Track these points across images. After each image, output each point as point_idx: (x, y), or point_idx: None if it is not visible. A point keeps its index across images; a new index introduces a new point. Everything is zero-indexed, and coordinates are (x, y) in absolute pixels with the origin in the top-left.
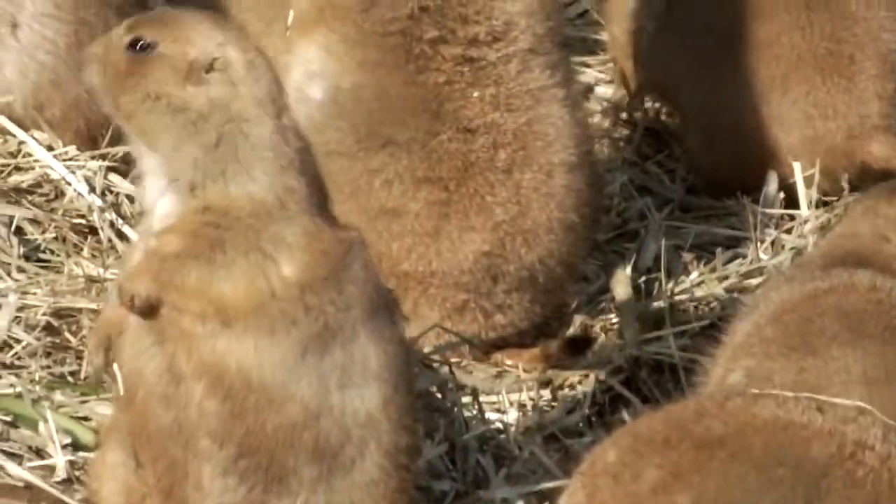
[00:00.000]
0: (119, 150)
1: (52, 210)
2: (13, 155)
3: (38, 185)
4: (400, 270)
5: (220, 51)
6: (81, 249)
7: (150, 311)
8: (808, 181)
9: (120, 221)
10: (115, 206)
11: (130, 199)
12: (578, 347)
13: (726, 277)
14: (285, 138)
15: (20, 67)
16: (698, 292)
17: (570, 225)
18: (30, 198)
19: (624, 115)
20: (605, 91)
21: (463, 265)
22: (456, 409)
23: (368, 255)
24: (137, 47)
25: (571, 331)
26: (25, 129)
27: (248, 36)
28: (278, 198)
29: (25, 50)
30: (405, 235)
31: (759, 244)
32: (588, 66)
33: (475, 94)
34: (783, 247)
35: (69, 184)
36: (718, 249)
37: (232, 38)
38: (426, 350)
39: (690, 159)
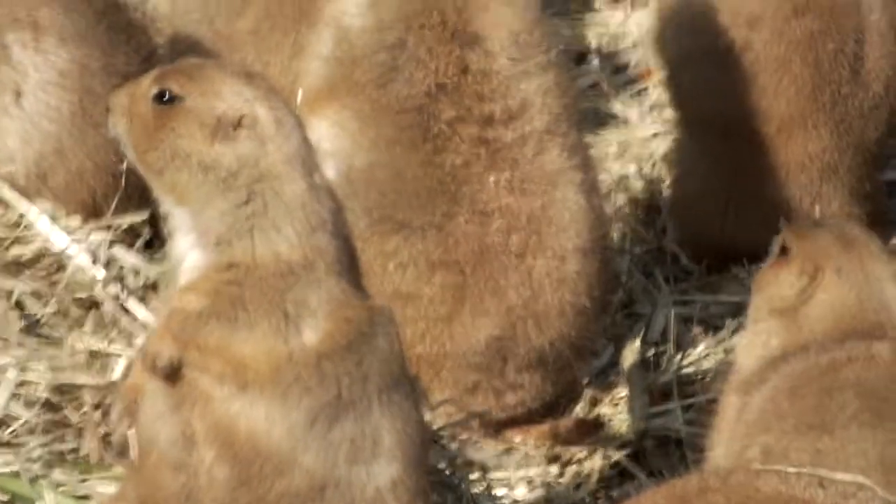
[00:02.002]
0: (124, 222)
1: (54, 283)
2: (14, 226)
3: (40, 257)
4: (413, 353)
5: (248, 107)
6: (83, 324)
7: (172, 373)
8: None
9: (124, 295)
10: (119, 280)
11: (135, 271)
12: (587, 430)
13: (734, 349)
14: (317, 197)
15: (23, 136)
16: (706, 364)
17: (582, 309)
18: (30, 270)
19: (634, 191)
20: (612, 165)
21: (476, 348)
22: (464, 486)
23: (394, 330)
24: (164, 99)
25: (581, 407)
26: (28, 199)
27: (278, 92)
28: (306, 258)
29: (29, 118)
30: (419, 320)
31: None
32: (598, 136)
33: (491, 178)
34: None
35: (71, 256)
36: (727, 321)
37: (260, 95)
38: (436, 426)
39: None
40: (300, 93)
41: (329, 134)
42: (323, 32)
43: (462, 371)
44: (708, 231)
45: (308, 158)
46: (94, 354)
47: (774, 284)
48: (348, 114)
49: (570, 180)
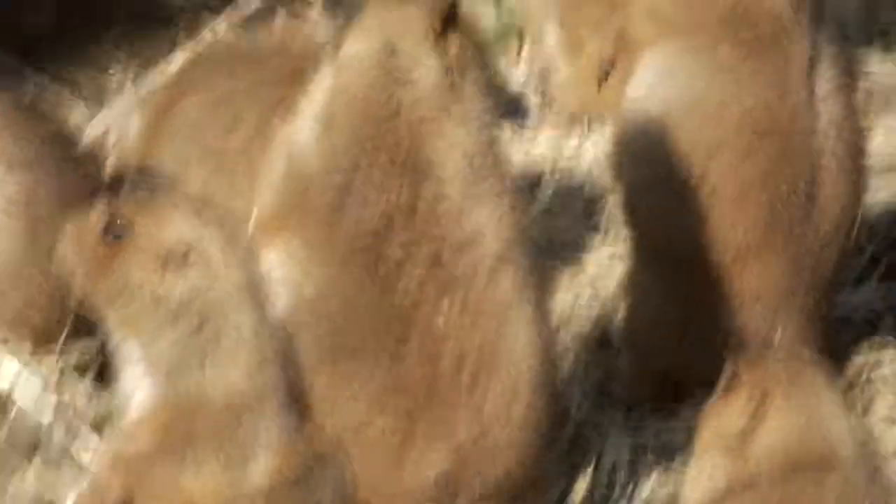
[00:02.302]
0: (74, 353)
1: (3, 414)
2: None
3: None
4: (364, 485)
5: (198, 238)
6: (29, 465)
7: None
8: None
9: (70, 436)
10: (66, 418)
11: (85, 402)
12: None
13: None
14: (267, 329)
15: None
16: (660, 493)
17: (532, 443)
18: None
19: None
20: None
21: (426, 481)
22: None
23: (343, 464)
24: (112, 232)
25: None
26: None
27: (228, 223)
28: (256, 391)
29: None
30: (370, 450)
31: None
32: (551, 262)
33: (444, 308)
34: None
35: (17, 394)
36: (681, 449)
37: (210, 226)
38: None
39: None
40: (252, 220)
41: (278, 262)
42: (275, 156)
43: None
44: (662, 360)
45: (258, 290)
46: (38, 499)
47: (722, 414)
48: (298, 242)
49: (522, 311)
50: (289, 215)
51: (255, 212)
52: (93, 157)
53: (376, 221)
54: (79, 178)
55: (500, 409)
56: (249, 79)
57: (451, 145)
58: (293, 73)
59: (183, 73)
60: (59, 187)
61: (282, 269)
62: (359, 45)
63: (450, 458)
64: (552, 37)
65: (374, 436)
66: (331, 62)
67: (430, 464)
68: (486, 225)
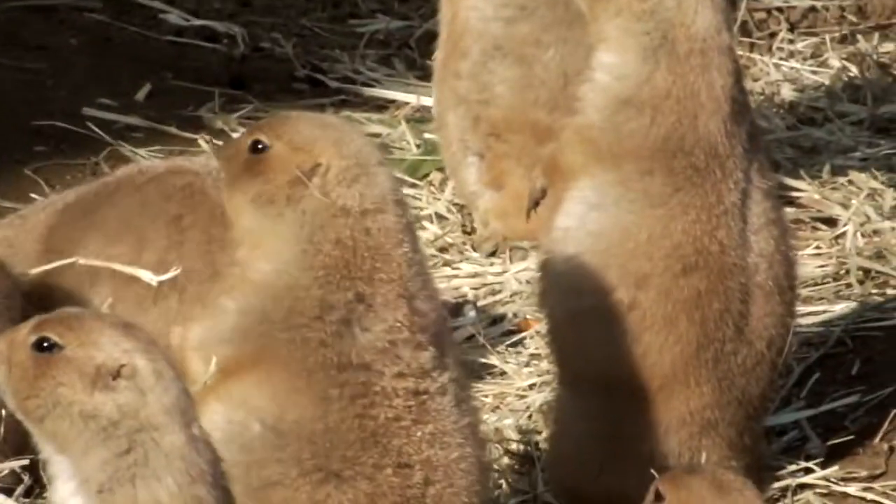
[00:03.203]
0: (4, 468)
1: None
2: None
3: None
4: None
5: (128, 357)
6: None
7: None
8: None
9: None
10: None
11: None
12: None
13: None
14: (196, 448)
15: None
16: None
17: None
18: None
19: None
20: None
21: None
22: None
23: None
24: (43, 347)
25: None
26: None
27: (156, 344)
28: None
29: None
30: None
31: None
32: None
33: (418, 432)
34: None
35: None
36: None
37: (140, 346)
38: None
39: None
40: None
41: (256, 390)
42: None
43: None
44: (584, 485)
45: (187, 410)
46: None
47: None
48: (279, 373)
49: (472, 432)
50: (259, 354)
51: (215, 357)
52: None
53: (375, 353)
54: None
55: None
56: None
57: None
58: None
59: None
60: None
61: (261, 396)
62: None
63: None
64: (473, 168)
65: None
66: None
67: None
68: (449, 348)
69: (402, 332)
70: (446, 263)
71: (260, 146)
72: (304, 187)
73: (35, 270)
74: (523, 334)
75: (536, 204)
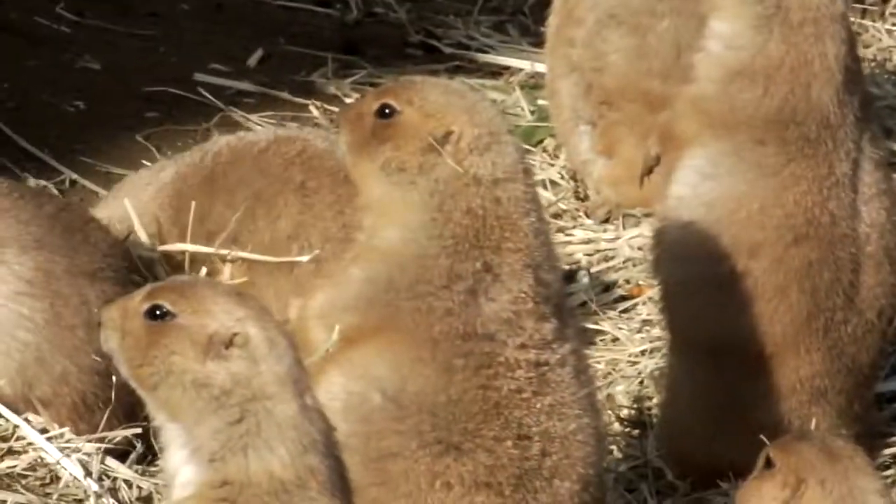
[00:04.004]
0: (117, 435)
1: (47, 495)
2: (6, 438)
3: (33, 468)
4: None
5: (240, 326)
6: None
7: None
8: None
9: None
10: (112, 492)
11: (128, 483)
12: None
13: None
14: (309, 418)
15: (3, 348)
16: None
17: None
18: (24, 482)
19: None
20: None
21: None
22: None
23: None
24: (156, 316)
25: None
26: (19, 411)
27: (270, 312)
28: (299, 477)
29: (5, 329)
30: None
31: None
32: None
33: (537, 404)
34: None
35: (64, 469)
36: None
37: (252, 314)
38: None
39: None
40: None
41: (378, 360)
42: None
43: None
44: (695, 452)
45: (300, 379)
46: None
47: (757, 498)
48: (403, 342)
49: (589, 403)
50: (382, 323)
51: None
52: (98, 224)
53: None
54: (90, 248)
55: (572, 498)
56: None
57: None
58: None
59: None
60: (73, 260)
61: (383, 366)
62: None
63: None
64: (585, 137)
65: None
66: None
67: None
68: (568, 318)
69: (526, 302)
70: (559, 230)
71: (388, 111)
72: (437, 155)
73: (176, 247)
74: (635, 300)
75: (650, 171)
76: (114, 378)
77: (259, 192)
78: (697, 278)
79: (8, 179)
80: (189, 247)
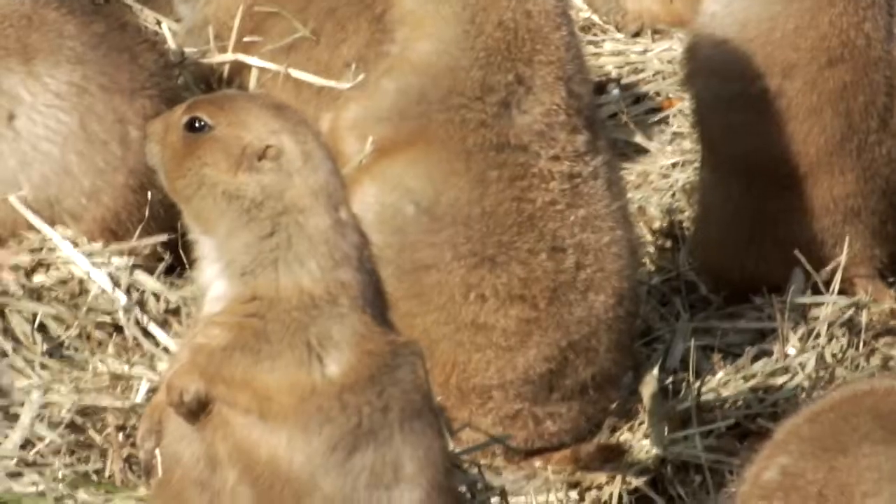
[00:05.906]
0: (146, 246)
1: (76, 307)
2: (36, 251)
3: (62, 281)
4: (467, 382)
5: (275, 138)
6: (106, 347)
7: (198, 407)
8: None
9: (145, 319)
10: (141, 304)
11: (156, 296)
12: (610, 456)
13: (753, 376)
14: (342, 232)
15: (22, 159)
16: (725, 392)
17: (623, 346)
18: (53, 294)
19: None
20: (632, 194)
21: (531, 378)
22: None
23: (420, 363)
24: (195, 128)
25: (604, 435)
26: (49, 223)
27: (309, 125)
28: (329, 292)
29: (26, 141)
30: (488, 348)
31: (785, 342)
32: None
33: (571, 216)
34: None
35: (94, 280)
36: (747, 348)
37: (289, 127)
38: (457, 450)
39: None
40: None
41: (412, 171)
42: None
43: (509, 400)
44: (728, 267)
45: (335, 193)
46: (116, 377)
47: None
48: (437, 153)
49: (623, 215)
50: (416, 135)
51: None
52: (152, 44)
53: (532, 135)
54: (135, 68)
55: (607, 311)
56: None
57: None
58: None
59: None
60: (112, 79)
61: (416, 177)
62: None
63: (558, 355)
64: None
65: (495, 334)
66: None
67: (540, 360)
68: (600, 130)
69: (559, 114)
70: (590, 42)
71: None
72: None
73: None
74: (666, 113)
75: None
76: (149, 195)
77: (334, 8)
78: (730, 95)
79: None
80: (242, 57)
